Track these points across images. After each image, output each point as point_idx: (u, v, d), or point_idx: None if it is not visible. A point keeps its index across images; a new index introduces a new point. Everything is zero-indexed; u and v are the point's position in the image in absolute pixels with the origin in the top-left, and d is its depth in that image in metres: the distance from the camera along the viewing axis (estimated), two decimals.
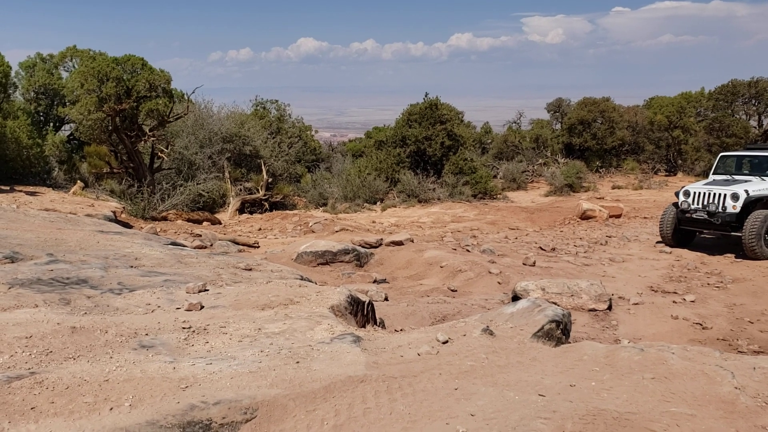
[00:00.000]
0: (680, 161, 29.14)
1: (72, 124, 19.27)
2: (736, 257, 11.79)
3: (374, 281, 9.10)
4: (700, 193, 12.64)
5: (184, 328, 3.89)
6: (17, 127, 14.30)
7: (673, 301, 8.40)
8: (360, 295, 5.17)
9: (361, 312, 4.98)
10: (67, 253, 6.06)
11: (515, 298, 7.57)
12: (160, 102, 15.32)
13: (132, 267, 5.82)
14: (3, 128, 13.39)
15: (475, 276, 9.08)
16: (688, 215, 12.72)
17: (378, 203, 20.46)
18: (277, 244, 12.59)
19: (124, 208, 13.19)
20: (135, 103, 15.19)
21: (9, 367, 3.08)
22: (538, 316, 4.56)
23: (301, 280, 6.10)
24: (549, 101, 34.86)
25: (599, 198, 21.11)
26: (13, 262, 5.53)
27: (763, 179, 12.53)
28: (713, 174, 13.59)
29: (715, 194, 12.37)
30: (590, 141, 29.03)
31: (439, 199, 20.25)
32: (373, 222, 16.24)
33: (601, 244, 12.97)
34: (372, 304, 5.25)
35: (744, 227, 11.65)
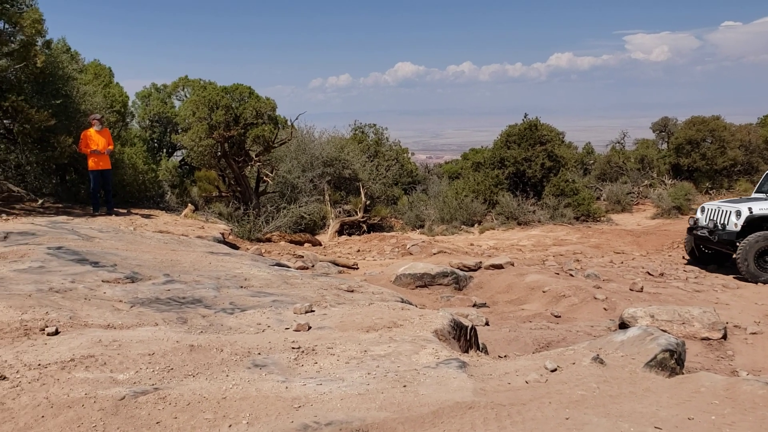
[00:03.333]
0: None
1: (183, 150, 20.34)
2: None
3: (474, 305, 9.01)
4: (710, 209, 12.29)
5: (293, 348, 4.00)
6: (134, 153, 15.21)
7: None
8: (462, 320, 5.15)
9: (464, 337, 4.95)
10: (181, 274, 6.38)
11: (622, 325, 7.30)
12: (266, 128, 15.91)
13: (242, 287, 6.05)
14: (121, 155, 14.27)
15: (579, 301, 8.83)
16: (695, 232, 12.41)
17: (476, 225, 20.31)
18: (376, 265, 12.72)
19: (231, 230, 13.72)
20: (242, 130, 15.86)
21: (135, 383, 3.27)
22: (650, 345, 4.39)
23: (402, 302, 6.13)
24: (654, 120, 33.62)
25: None
26: (133, 282, 5.87)
27: None
28: (756, 191, 12.92)
29: (722, 211, 11.91)
30: (699, 161, 27.72)
31: (539, 222, 19.87)
32: (471, 244, 16.12)
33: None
34: (475, 329, 5.21)
35: (738, 248, 11.15)
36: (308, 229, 18.24)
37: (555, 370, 3.82)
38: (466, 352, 4.79)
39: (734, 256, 11.23)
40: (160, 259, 7.20)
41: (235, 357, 3.74)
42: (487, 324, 7.64)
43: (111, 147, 12.17)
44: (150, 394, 3.11)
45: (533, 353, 5.68)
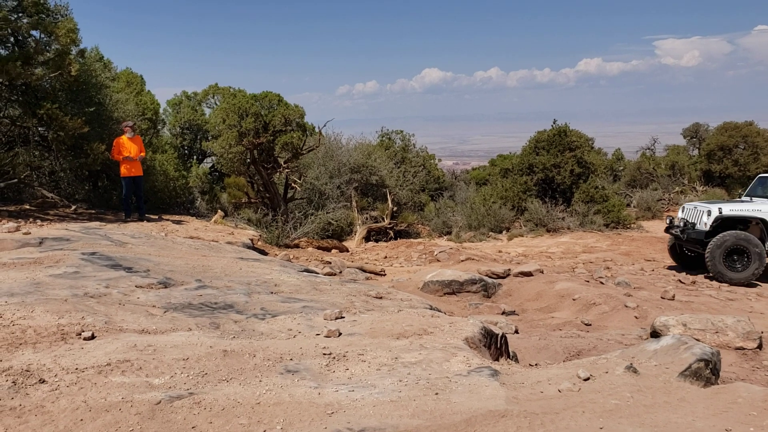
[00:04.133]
0: None
1: (213, 157, 20.59)
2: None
3: (503, 313, 8.96)
4: (688, 209, 12.60)
5: (324, 354, 4.02)
6: (165, 160, 15.40)
7: None
8: (493, 328, 5.13)
9: (494, 345, 4.93)
10: (213, 279, 6.45)
11: (654, 333, 7.21)
12: (295, 135, 16.03)
13: (272, 293, 6.09)
14: (153, 162, 14.47)
15: (610, 309, 8.73)
16: (671, 231, 12.74)
17: (504, 232, 20.20)
18: (403, 272, 12.72)
19: (260, 236, 13.82)
20: (271, 137, 16.00)
21: (170, 387, 3.31)
22: (684, 354, 4.32)
23: (431, 309, 6.12)
24: (685, 126, 33.25)
25: None
26: (166, 287, 5.95)
27: None
28: (745, 195, 13.09)
29: (696, 211, 12.17)
30: (731, 168, 27.29)
31: (568, 229, 19.70)
32: (500, 251, 16.04)
33: None
34: (505, 337, 5.18)
35: (706, 248, 11.43)
36: (335, 236, 18.33)
37: (588, 378, 3.78)
38: (497, 360, 4.77)
39: (705, 254, 11.55)
40: (192, 265, 7.28)
41: (267, 362, 3.77)
42: (516, 332, 7.59)
43: (143, 154, 12.34)
44: (185, 399, 3.15)
45: (564, 362, 5.63)
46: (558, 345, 6.91)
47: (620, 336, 7.52)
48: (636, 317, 8.52)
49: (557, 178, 21.81)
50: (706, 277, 11.68)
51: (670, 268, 13.13)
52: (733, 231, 11.49)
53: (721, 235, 11.41)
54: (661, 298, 9.67)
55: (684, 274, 12.21)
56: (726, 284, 11.33)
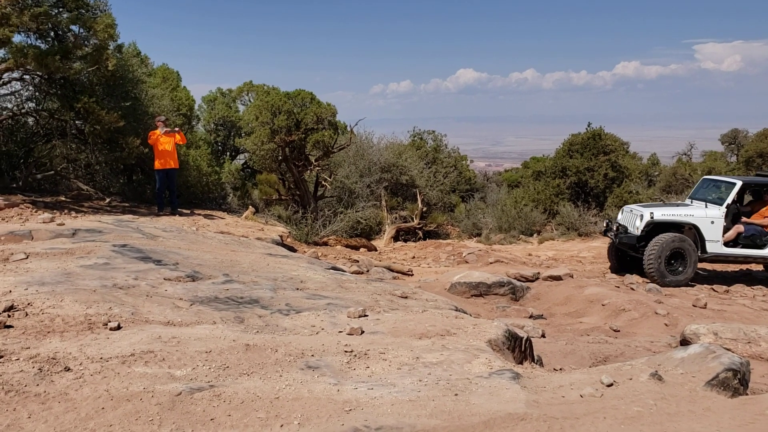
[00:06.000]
0: None
1: (246, 154, 20.76)
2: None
3: (530, 316, 8.87)
4: (626, 212, 12.50)
5: (346, 351, 4.02)
6: (199, 156, 15.54)
7: None
8: (517, 331, 5.08)
9: (518, 348, 4.88)
10: (240, 274, 6.50)
11: (684, 342, 7.07)
12: (326, 134, 16.10)
13: (298, 289, 6.12)
14: (186, 157, 14.62)
15: (639, 316, 8.59)
16: (607, 234, 12.74)
17: (534, 235, 20.03)
18: (431, 272, 12.68)
19: (289, 232, 13.90)
20: (303, 135, 16.09)
21: (191, 379, 3.35)
22: (712, 363, 4.23)
23: (456, 311, 6.09)
24: (723, 132, 32.60)
25: None
26: (194, 280, 6.02)
27: (717, 206, 11.76)
28: (689, 197, 12.93)
29: (632, 215, 12.06)
30: None
31: (600, 233, 19.46)
32: (529, 255, 15.90)
33: None
34: (530, 341, 5.12)
35: (645, 251, 11.28)
36: (364, 234, 18.36)
37: (611, 384, 3.72)
38: (521, 363, 4.72)
39: (643, 259, 11.42)
40: (221, 259, 7.35)
41: (288, 358, 3.79)
42: (543, 336, 7.52)
43: (182, 141, 12.47)
44: (205, 391, 3.18)
45: (590, 367, 5.56)
46: (585, 350, 6.83)
47: (649, 343, 7.40)
48: (666, 324, 8.38)
49: (590, 182, 21.56)
50: (645, 281, 11.61)
51: (612, 269, 13.08)
52: (669, 234, 11.44)
53: (657, 238, 11.36)
54: (693, 305, 9.50)
55: (717, 282, 11.98)
56: (752, 294, 11.10)
